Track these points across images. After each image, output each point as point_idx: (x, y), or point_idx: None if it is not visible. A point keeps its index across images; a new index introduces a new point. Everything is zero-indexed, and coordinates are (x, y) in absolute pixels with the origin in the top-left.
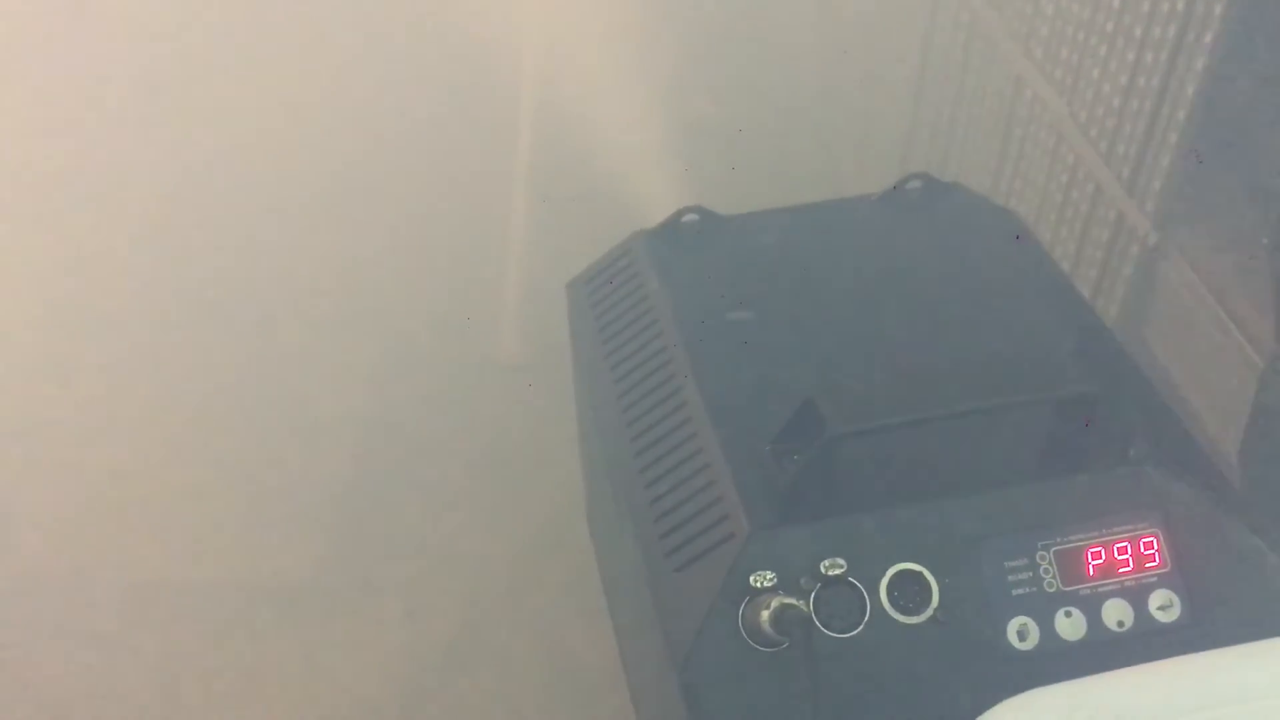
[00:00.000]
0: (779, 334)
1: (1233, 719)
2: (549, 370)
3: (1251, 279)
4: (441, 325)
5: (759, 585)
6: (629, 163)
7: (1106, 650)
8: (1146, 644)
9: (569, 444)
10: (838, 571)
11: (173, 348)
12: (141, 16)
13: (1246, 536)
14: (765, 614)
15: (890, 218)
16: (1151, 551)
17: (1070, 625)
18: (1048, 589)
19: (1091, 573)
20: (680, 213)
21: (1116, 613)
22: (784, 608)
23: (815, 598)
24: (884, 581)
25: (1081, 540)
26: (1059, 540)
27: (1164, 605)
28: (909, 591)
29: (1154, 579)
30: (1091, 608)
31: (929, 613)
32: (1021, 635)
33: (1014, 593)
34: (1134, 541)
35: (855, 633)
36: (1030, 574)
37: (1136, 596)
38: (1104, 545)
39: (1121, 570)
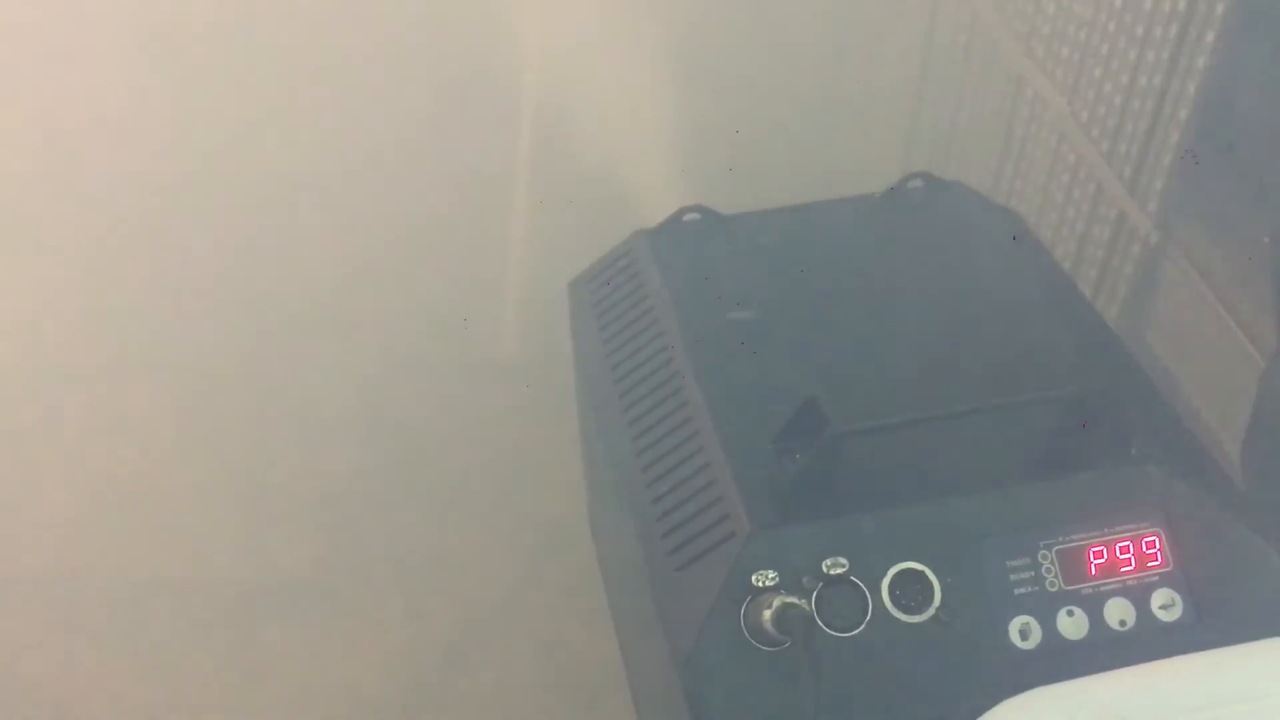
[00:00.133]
0: (780, 333)
1: (1235, 718)
2: (550, 369)
3: (1253, 278)
4: (442, 324)
5: (761, 584)
6: (630, 162)
7: (1108, 649)
8: (1148, 643)
9: (570, 443)
10: (839, 570)
11: (173, 347)
12: (144, 18)
13: (1249, 536)
14: (767, 613)
15: (891, 217)
16: (1153, 551)
17: (1072, 624)
18: (1050, 588)
19: (1093, 572)
20: (681, 212)
21: (1118, 612)
22: (786, 607)
23: (817, 597)
24: (886, 580)
25: (1083, 539)
26: (1061, 539)
27: (1166, 604)
28: (911, 591)
29: (1156, 578)
30: (1093, 607)
31: (931, 612)
32: (1023, 634)
33: (1016, 592)
34: (1136, 541)
35: (857, 632)
36: (1032, 573)
37: (1138, 596)
38: (1106, 544)
39: (1123, 569)
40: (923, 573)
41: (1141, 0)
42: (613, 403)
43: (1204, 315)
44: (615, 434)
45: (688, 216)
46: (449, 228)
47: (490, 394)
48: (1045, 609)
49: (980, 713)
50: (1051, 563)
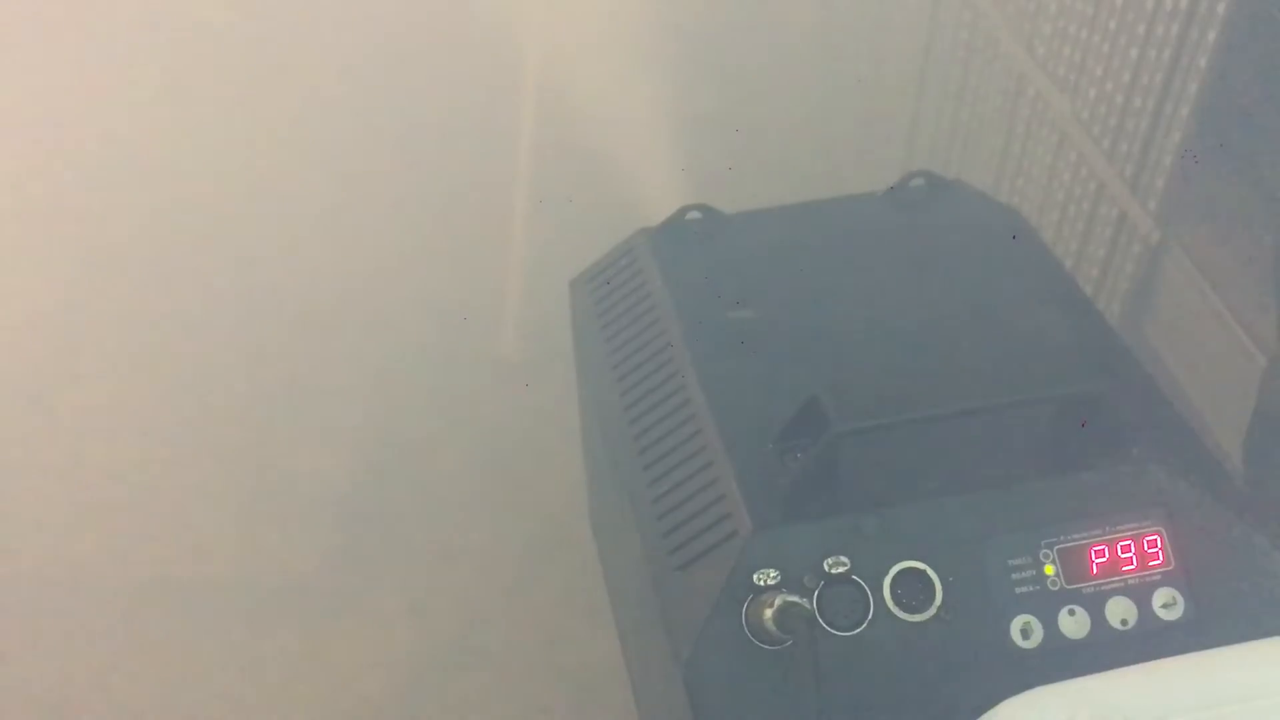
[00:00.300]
0: (782, 332)
1: (1236, 717)
2: (551, 368)
3: (1255, 276)
4: (444, 323)
5: (762, 583)
6: (631, 160)
7: (1110, 648)
8: (1150, 642)
9: (571, 442)
10: (841, 569)
11: (174, 346)
12: (149, 19)
13: (1250, 535)
14: (768, 612)
15: (893, 215)
16: (1155, 550)
17: (1074, 623)
18: (1051, 587)
19: (1095, 571)
20: (683, 210)
21: (1120, 611)
22: (787, 606)
23: (818, 596)
24: (887, 580)
25: (1085, 538)
26: (1062, 538)
27: (1167, 604)
28: (912, 590)
29: (1157, 577)
30: (1095, 606)
31: (932, 611)
32: (1025, 633)
33: (1017, 591)
34: (1137, 540)
35: (858, 631)
36: (1034, 572)
37: (1140, 595)
38: (1107, 543)
39: (1125, 568)
40: (924, 572)
41: None
42: (614, 401)
43: (1205, 314)
44: (616, 433)
45: (689, 215)
46: (450, 226)
47: (491, 393)
48: (1047, 608)
49: (981, 712)
50: (1053, 562)
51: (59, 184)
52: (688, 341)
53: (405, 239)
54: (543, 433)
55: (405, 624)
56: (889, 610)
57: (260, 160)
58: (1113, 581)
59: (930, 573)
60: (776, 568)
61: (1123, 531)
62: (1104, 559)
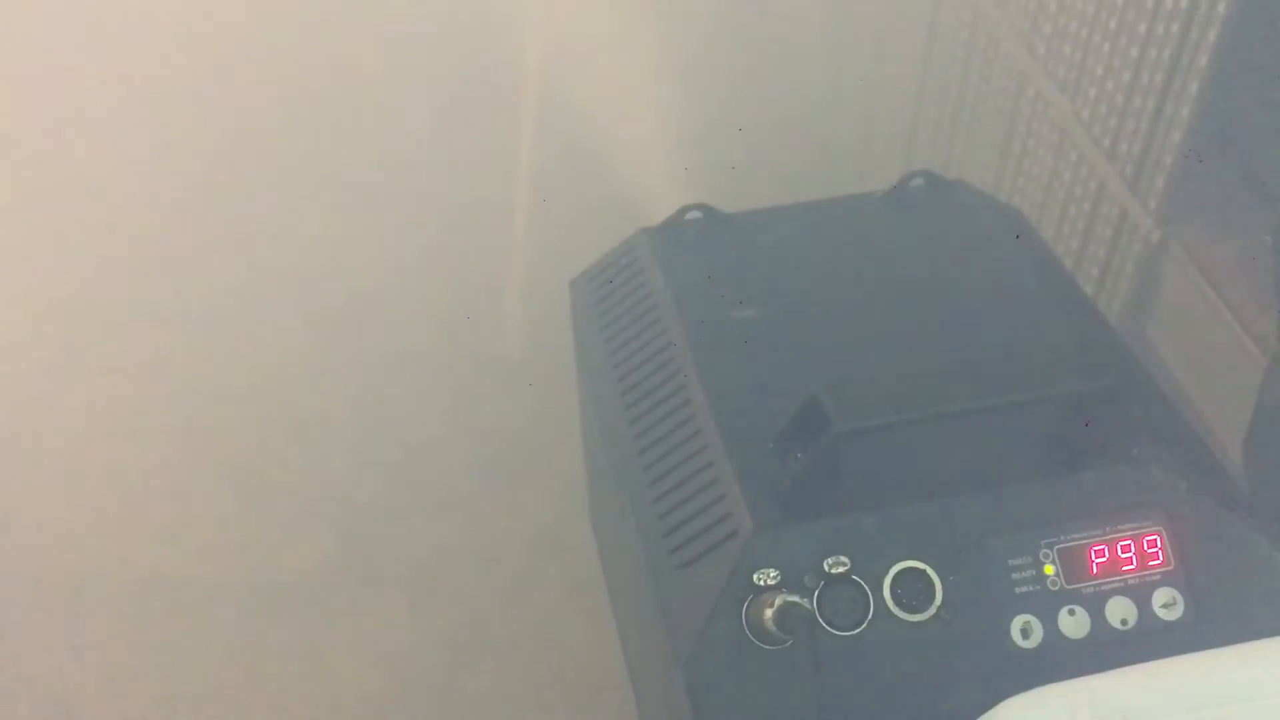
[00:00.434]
0: (782, 332)
1: (1237, 717)
2: (551, 368)
3: (1255, 276)
4: (445, 323)
5: (762, 583)
6: (632, 160)
7: (1110, 648)
8: (1150, 642)
9: (571, 441)
10: (841, 569)
11: (175, 346)
12: (151, 20)
13: (1250, 534)
14: (769, 612)
15: (893, 215)
16: (1155, 549)
17: (1074, 623)
18: (1051, 587)
19: (1095, 571)
20: (683, 210)
21: (1120, 611)
22: (787, 606)
23: (819, 596)
24: (887, 579)
25: (1085, 538)
26: (1062, 538)
27: (1167, 603)
28: (912, 589)
29: (1157, 577)
30: (1095, 606)
31: (932, 611)
32: (1025, 633)
33: (1017, 591)
34: (1137, 539)
35: (859, 631)
36: (1034, 572)
37: (1140, 595)
38: (1107, 543)
39: (1125, 568)
40: (924, 572)
41: None
42: (614, 401)
43: (1206, 313)
44: (616, 432)
45: (690, 215)
46: (450, 226)
47: (492, 392)
48: (1047, 608)
49: (982, 711)
50: (1053, 561)
51: (59, 184)
52: (688, 341)
53: (406, 239)
54: (543, 433)
55: (405, 622)
56: (889, 610)
57: (261, 160)
58: (1113, 581)
59: (930, 572)
60: (777, 567)
61: (1123, 531)
62: (1104, 559)
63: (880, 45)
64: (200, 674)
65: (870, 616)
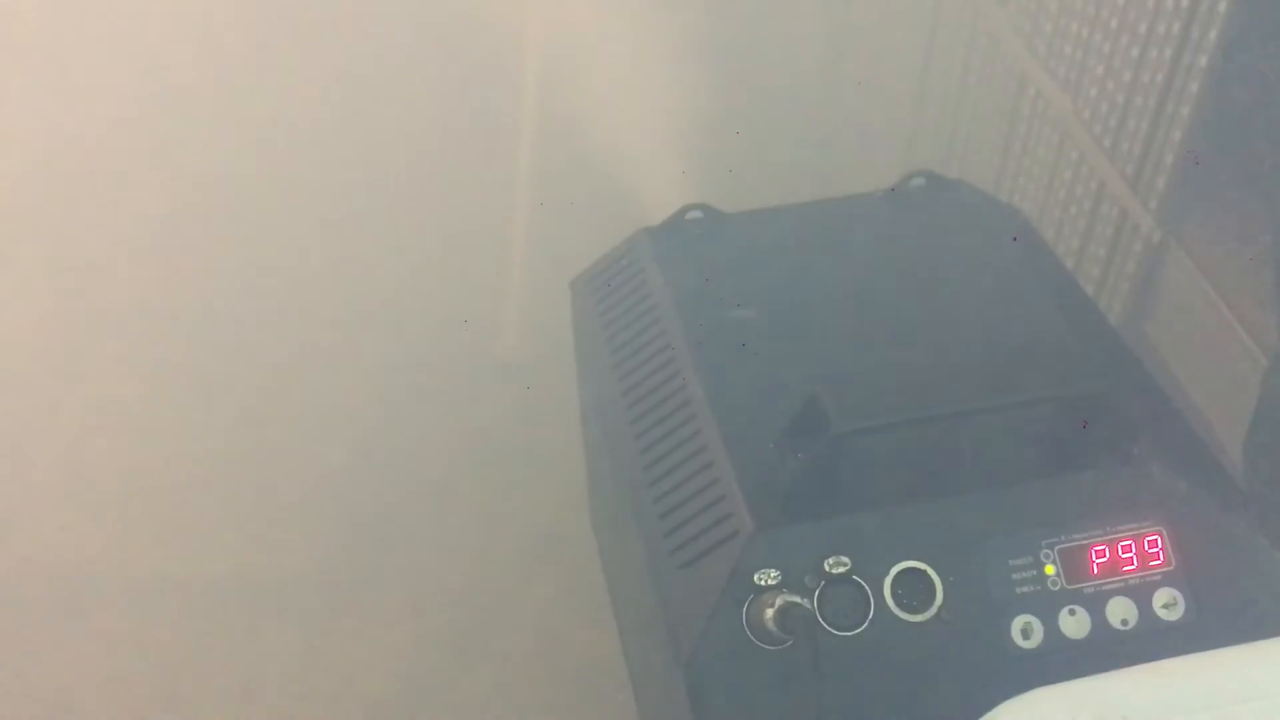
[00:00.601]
0: (782, 332)
1: (1237, 717)
2: (552, 368)
3: (1256, 276)
4: (445, 323)
5: (763, 583)
6: (632, 160)
7: (1110, 649)
8: (1151, 643)
9: (572, 441)
10: (842, 570)
11: (174, 345)
12: (153, 21)
13: (1250, 534)
14: (769, 612)
15: (894, 215)
16: (1155, 550)
17: (1074, 624)
18: (1052, 587)
19: (1095, 571)
20: (684, 210)
21: (1120, 611)
22: (788, 606)
23: (819, 596)
24: (888, 580)
25: (1085, 538)
26: (1063, 538)
27: (1168, 604)
28: (913, 590)
29: (1158, 577)
30: (1095, 606)
31: (933, 611)
32: (1025, 634)
33: (1018, 591)
34: (1138, 540)
35: (859, 631)
36: (1034, 572)
37: (1140, 595)
38: (1108, 543)
39: (1125, 569)
40: (925, 572)
41: None
42: (615, 401)
43: (1206, 313)
44: (617, 432)
45: (690, 215)
46: (451, 226)
47: (492, 392)
48: (1047, 608)
49: (982, 712)
50: (1054, 562)
51: (60, 184)
52: (688, 341)
53: (406, 239)
54: (543, 431)
55: (406, 622)
56: (889, 610)
57: (261, 160)
58: (1113, 581)
59: (931, 573)
60: (777, 567)
61: (1123, 531)
62: (1104, 559)
63: (881, 45)
64: (200, 674)
65: (871, 617)
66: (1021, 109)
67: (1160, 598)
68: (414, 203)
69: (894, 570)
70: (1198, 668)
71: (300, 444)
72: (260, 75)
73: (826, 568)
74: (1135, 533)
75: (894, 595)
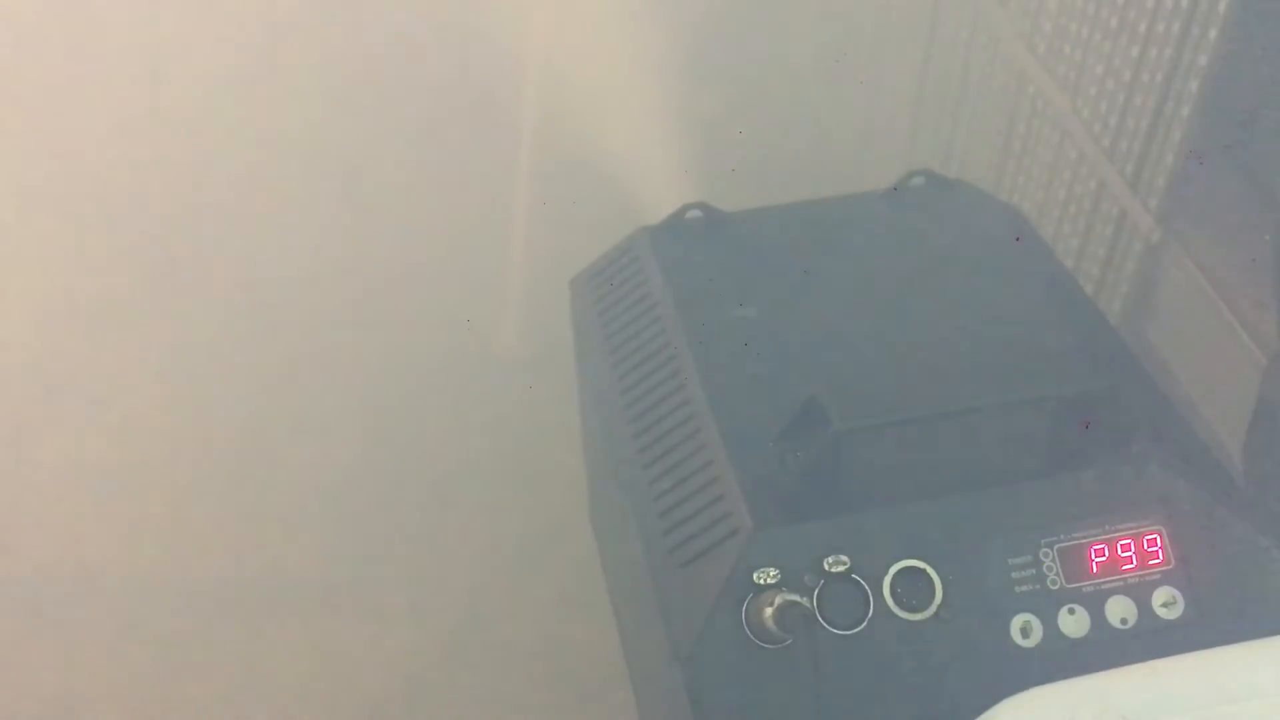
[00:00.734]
0: (782, 331)
1: (1236, 716)
2: (552, 366)
3: (1255, 275)
4: (445, 322)
5: (762, 582)
6: (632, 159)
7: (1110, 647)
8: (1150, 641)
9: (572, 439)
10: (841, 568)
11: (175, 346)
12: (155, 23)
13: (1249, 534)
14: (769, 610)
15: (894, 214)
16: (1155, 549)
17: (1074, 622)
18: (1051, 586)
19: (1095, 570)
20: (684, 209)
21: (1120, 610)
22: (787, 604)
23: (819, 594)
24: (887, 578)
25: (1085, 537)
26: (1062, 537)
27: (1167, 602)
28: (912, 588)
29: (1157, 576)
30: (1095, 605)
31: (932, 610)
32: (1025, 632)
33: (1017, 590)
34: (1137, 539)
35: (859, 630)
36: (1034, 571)
37: (1140, 594)
38: (1107, 542)
39: (1125, 567)
40: (924, 571)
41: None
42: (614, 399)
43: (1205, 313)
44: (617, 431)
45: (690, 214)
46: (451, 225)
47: (492, 390)
48: (1047, 607)
49: (982, 710)
50: (1053, 561)
51: (60, 184)
52: (688, 340)
53: (406, 238)
54: (543, 430)
55: (406, 620)
56: (889, 609)
57: (261, 160)
58: (1112, 580)
59: (930, 572)
60: (777, 566)
61: (1122, 530)
62: (1104, 558)
63: (881, 44)
64: (200, 674)
65: (870, 615)
66: (1021, 108)
67: (1159, 597)
68: (414, 202)
69: (893, 569)
70: (1196, 666)
71: (301, 444)
72: (260, 75)
73: (826, 566)
74: (1134, 532)
75: (893, 594)
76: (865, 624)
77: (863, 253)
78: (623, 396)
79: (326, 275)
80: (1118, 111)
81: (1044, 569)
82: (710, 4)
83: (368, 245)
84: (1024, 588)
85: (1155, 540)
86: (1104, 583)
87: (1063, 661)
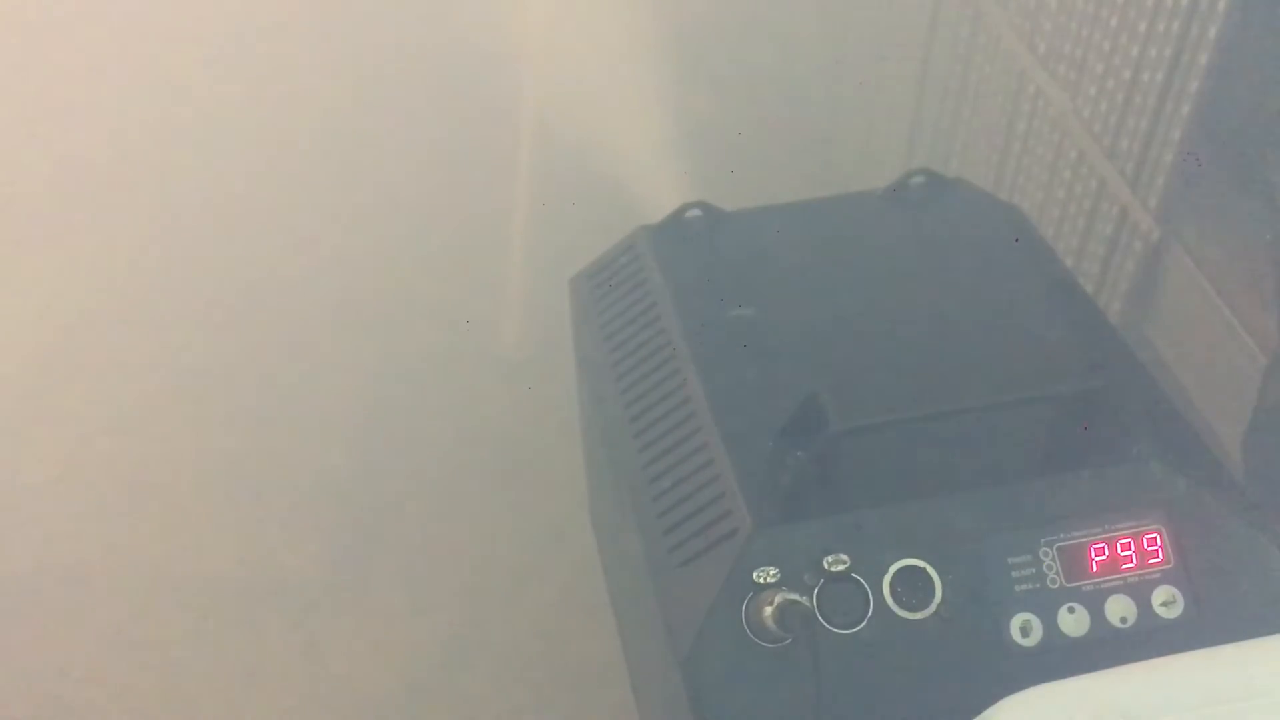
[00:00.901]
0: (782, 330)
1: (1236, 716)
2: (551, 365)
3: (1255, 274)
4: (445, 321)
5: (762, 581)
6: (632, 158)
7: (1109, 646)
8: (1149, 640)
9: (571, 438)
10: (841, 567)
11: (174, 344)
12: (157, 24)
13: (1250, 532)
14: (768, 610)
15: (893, 213)
16: (1155, 548)
17: (1073, 621)
18: (1051, 585)
19: (1094, 569)
20: (683, 208)
21: (1119, 609)
22: (787, 604)
23: (818, 594)
24: (887, 577)
25: (1084, 536)
26: (1062, 536)
27: (1167, 601)
28: (912, 587)
29: (1157, 575)
30: (1094, 604)
31: (932, 609)
32: (1024, 631)
33: (1017, 589)
34: (1137, 538)
35: (858, 629)
36: (1033, 570)
37: (1139, 593)
38: (1107, 541)
39: (1124, 566)
40: (924, 569)
41: None
42: (614, 399)
43: (1205, 312)
44: (616, 430)
45: (689, 213)
46: (451, 225)
47: (491, 390)
48: (1046, 606)
49: (981, 709)
50: (1052, 560)
51: (60, 185)
52: (688, 339)
53: (406, 237)
54: (543, 429)
55: (405, 620)
56: (888, 608)
57: (261, 160)
58: (1112, 579)
59: (930, 570)
60: (776, 565)
61: (1122, 529)
62: (1103, 557)
63: (881, 43)
64: (200, 674)
65: (870, 614)
66: (1021, 107)
67: (1159, 596)
68: (413, 202)
69: (893, 568)
70: (1196, 665)
71: (300, 444)
72: (260, 75)
73: (826, 565)
74: (1134, 531)
75: (893, 593)
76: (865, 623)
77: (862, 252)
78: (622, 396)
79: (326, 275)
80: (1118, 111)
81: (1044, 568)
82: (710, 3)
83: (367, 245)
84: (1024, 587)
85: (1155, 539)
86: (1104, 582)
87: (1062, 661)
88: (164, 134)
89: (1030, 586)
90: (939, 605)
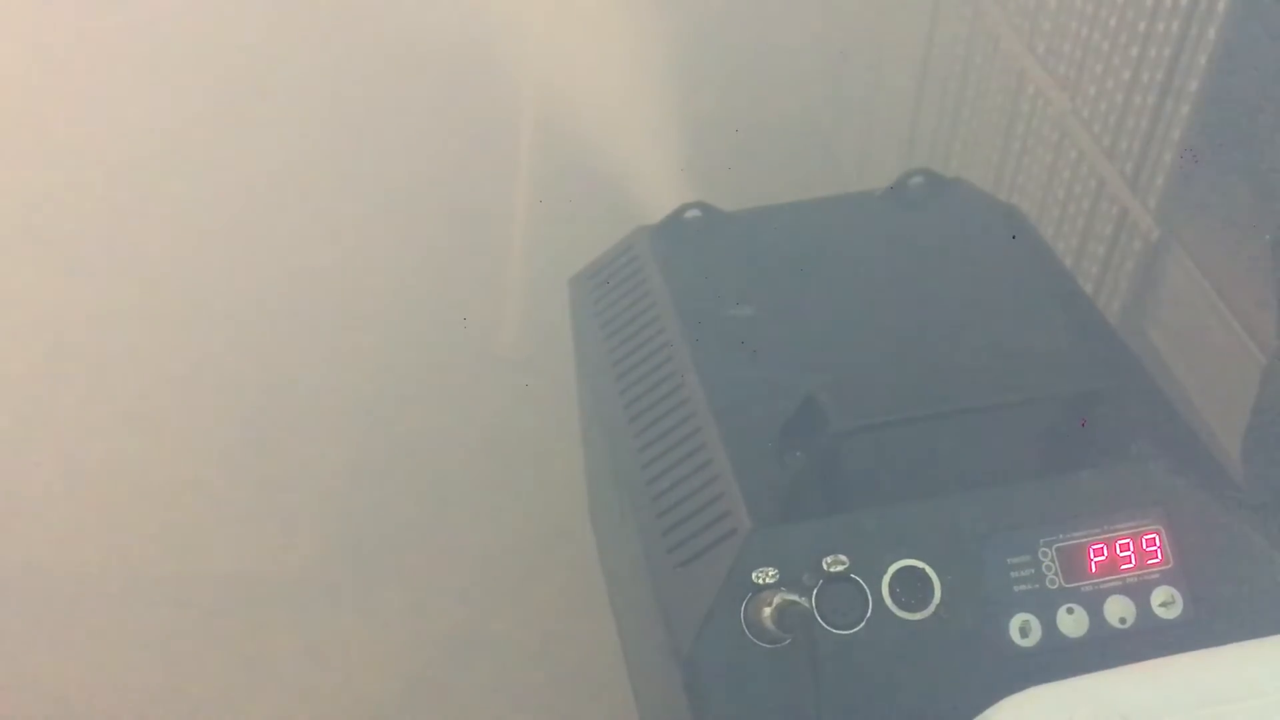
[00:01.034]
0: (781, 330)
1: (1235, 716)
2: (551, 366)
3: (1254, 275)
4: (444, 321)
5: (761, 581)
6: (631, 158)
7: (1108, 647)
8: (1149, 641)
9: (571, 439)
10: (840, 568)
11: (174, 342)
12: (159, 26)
13: (1249, 533)
14: (767, 610)
15: (892, 213)
16: (1154, 548)
17: (1072, 622)
18: (1050, 585)
19: (1094, 569)
20: (683, 209)
21: (1119, 609)
22: (786, 604)
23: (817, 594)
24: (886, 578)
25: (1084, 537)
26: (1061, 537)
27: (1166, 602)
28: (911, 588)
29: (1156, 576)
30: (1094, 604)
31: (931, 609)
32: (1023, 632)
33: (1016, 589)
34: (1136, 538)
35: (857, 629)
36: (1032, 570)
37: (1139, 593)
38: (1106, 542)
39: (1124, 567)
40: (923, 570)
41: None
42: (613, 399)
43: (1205, 312)
44: (615, 431)
45: (689, 213)
46: (450, 225)
47: (491, 390)
48: (1045, 606)
49: (980, 710)
50: (1052, 560)
51: (60, 185)
52: (687, 339)
53: (405, 238)
54: (542, 429)
55: (404, 619)
56: (888, 608)
57: (261, 161)
58: (1111, 580)
59: (929, 571)
60: (775, 566)
61: (1121, 530)
62: (1103, 557)
63: (880, 43)
64: (200, 674)
65: (869, 615)
66: (1020, 107)
67: (1158, 596)
68: (413, 202)
69: (892, 569)
70: (1195, 666)
71: (299, 443)
72: (260, 76)
73: (825, 566)
74: (1133, 531)
75: (892, 593)
76: (864, 623)
77: (862, 252)
78: (621, 396)
79: (325, 275)
80: (1117, 111)
81: (1043, 568)
82: (710, 3)
83: (366, 245)
84: (1023, 587)
85: (1154, 540)
86: (1103, 582)
87: (1061, 661)
88: (164, 134)
89: (1029, 587)
90: (938, 606)
